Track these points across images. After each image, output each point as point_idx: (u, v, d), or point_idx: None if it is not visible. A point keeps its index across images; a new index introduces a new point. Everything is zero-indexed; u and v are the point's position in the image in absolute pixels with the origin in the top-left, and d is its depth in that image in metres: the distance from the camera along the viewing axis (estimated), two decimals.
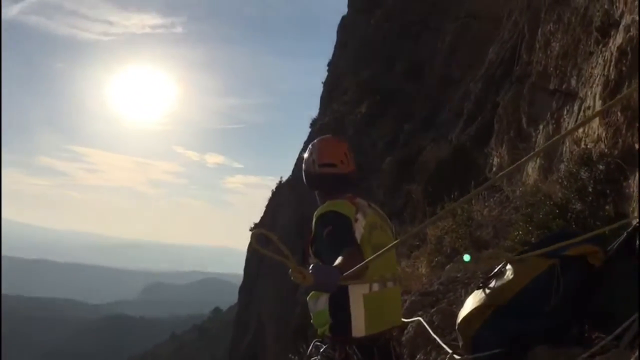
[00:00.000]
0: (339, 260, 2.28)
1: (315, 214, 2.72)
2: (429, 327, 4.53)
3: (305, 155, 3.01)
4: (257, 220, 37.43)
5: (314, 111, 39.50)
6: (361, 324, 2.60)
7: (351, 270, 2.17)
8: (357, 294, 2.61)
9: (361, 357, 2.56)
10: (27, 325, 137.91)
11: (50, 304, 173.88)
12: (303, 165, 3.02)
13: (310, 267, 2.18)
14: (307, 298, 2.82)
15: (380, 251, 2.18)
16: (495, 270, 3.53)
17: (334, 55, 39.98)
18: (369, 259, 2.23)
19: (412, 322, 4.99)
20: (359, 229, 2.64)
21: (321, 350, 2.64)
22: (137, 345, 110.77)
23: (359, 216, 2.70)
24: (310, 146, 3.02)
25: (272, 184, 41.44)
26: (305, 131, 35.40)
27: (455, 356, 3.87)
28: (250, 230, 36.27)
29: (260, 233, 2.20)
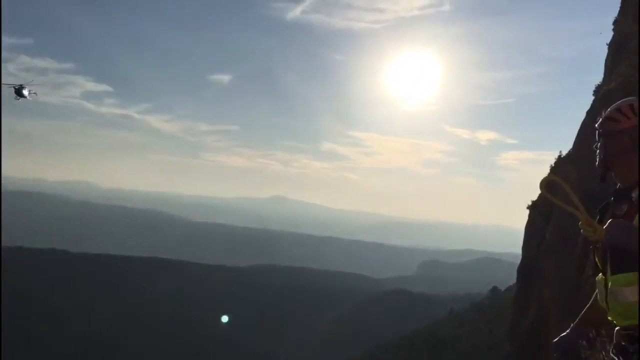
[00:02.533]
0: None
1: None
2: None
3: None
4: (534, 197, 35.69)
5: (594, 77, 36.01)
6: None
7: None
8: None
9: None
10: (317, 295, 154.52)
11: (338, 277, 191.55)
12: None
13: (609, 221, 2.04)
14: (620, 286, 2.44)
15: None
16: None
17: (621, 10, 35.62)
18: None
19: None
20: None
21: None
22: (417, 319, 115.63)
23: None
24: None
25: (550, 159, 39.30)
26: (585, 100, 32.51)
27: None
28: (527, 208, 35.03)
29: (552, 180, 2.13)
